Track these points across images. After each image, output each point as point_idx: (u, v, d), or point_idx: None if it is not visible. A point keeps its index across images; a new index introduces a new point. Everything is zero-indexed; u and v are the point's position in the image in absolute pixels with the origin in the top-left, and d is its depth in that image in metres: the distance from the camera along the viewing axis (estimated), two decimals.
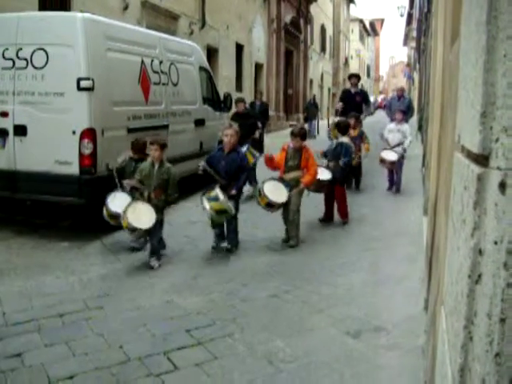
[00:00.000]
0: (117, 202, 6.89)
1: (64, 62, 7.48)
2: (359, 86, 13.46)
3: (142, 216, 6.34)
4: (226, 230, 7.29)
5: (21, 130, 7.67)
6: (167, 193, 6.73)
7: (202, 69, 11.41)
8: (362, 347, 4.59)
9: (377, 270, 6.57)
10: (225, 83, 20.98)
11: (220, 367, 4.25)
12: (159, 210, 6.60)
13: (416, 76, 41.05)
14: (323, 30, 46.66)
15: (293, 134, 7.64)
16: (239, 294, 5.76)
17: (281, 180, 7.49)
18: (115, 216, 6.81)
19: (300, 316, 5.23)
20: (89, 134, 7.41)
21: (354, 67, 65.20)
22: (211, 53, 20.57)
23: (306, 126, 23.31)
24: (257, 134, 11.05)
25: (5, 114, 7.74)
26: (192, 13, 18.94)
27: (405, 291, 5.81)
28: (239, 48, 24.25)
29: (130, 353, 4.43)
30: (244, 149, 8.79)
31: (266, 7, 28.53)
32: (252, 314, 5.23)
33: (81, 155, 7.40)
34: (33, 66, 7.62)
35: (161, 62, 9.47)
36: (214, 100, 11.81)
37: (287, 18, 31.58)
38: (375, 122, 13.76)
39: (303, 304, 5.52)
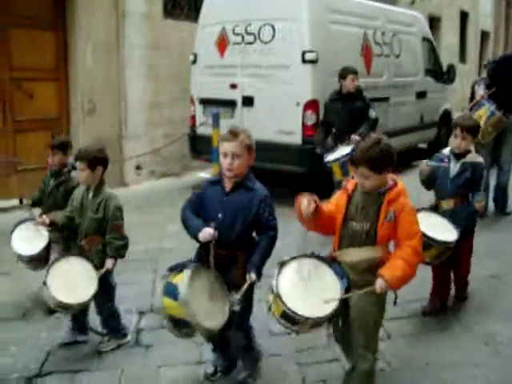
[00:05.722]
0: (24, 240, 4.64)
1: (289, 35, 7.78)
2: None
3: (75, 282, 3.85)
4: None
5: (248, 101, 8.18)
6: (106, 240, 3.99)
7: (424, 39, 11.07)
8: None
9: None
10: (447, 53, 20.15)
11: (432, 342, 4.24)
12: (97, 269, 3.91)
13: None
14: None
15: (354, 159, 3.25)
16: None
17: (331, 262, 3.30)
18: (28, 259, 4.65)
19: None
20: (312, 105, 7.65)
21: None
22: (433, 22, 19.80)
23: None
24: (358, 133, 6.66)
25: (234, 86, 8.31)
26: None
27: None
28: (463, 16, 23.00)
29: None
30: (334, 156, 6.39)
31: None
32: (471, 294, 5.08)
33: (304, 126, 7.68)
34: (260, 40, 8.05)
35: (383, 34, 9.38)
36: (437, 71, 11.42)
37: None
38: None
39: None
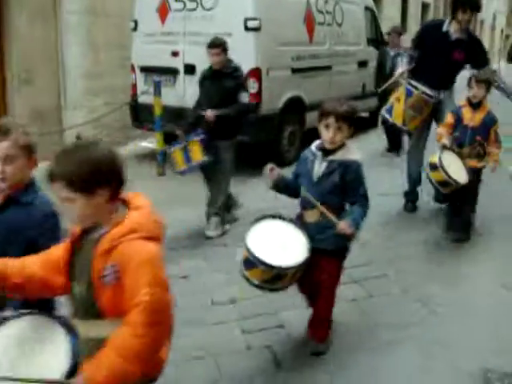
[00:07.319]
0: None
1: (232, 2, 7.71)
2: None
3: None
4: None
5: (190, 69, 8.04)
6: None
7: (367, 9, 11.13)
8: None
9: None
10: (389, 24, 20.27)
11: (373, 305, 4.37)
12: None
13: None
14: None
15: (50, 172, 1.95)
16: (397, 238, 5.74)
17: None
18: None
19: (457, 265, 5.12)
20: (254, 73, 7.60)
21: None
22: None
23: None
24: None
25: (176, 54, 8.18)
26: None
27: None
28: None
29: None
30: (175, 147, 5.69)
31: None
32: (408, 258, 5.21)
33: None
34: (202, 7, 7.92)
35: (326, 2, 9.36)
36: (379, 41, 11.51)
37: None
38: None
39: (460, 254, 5.40)
